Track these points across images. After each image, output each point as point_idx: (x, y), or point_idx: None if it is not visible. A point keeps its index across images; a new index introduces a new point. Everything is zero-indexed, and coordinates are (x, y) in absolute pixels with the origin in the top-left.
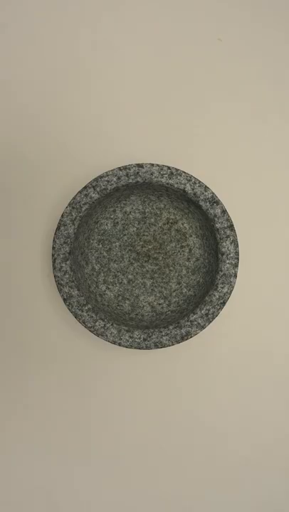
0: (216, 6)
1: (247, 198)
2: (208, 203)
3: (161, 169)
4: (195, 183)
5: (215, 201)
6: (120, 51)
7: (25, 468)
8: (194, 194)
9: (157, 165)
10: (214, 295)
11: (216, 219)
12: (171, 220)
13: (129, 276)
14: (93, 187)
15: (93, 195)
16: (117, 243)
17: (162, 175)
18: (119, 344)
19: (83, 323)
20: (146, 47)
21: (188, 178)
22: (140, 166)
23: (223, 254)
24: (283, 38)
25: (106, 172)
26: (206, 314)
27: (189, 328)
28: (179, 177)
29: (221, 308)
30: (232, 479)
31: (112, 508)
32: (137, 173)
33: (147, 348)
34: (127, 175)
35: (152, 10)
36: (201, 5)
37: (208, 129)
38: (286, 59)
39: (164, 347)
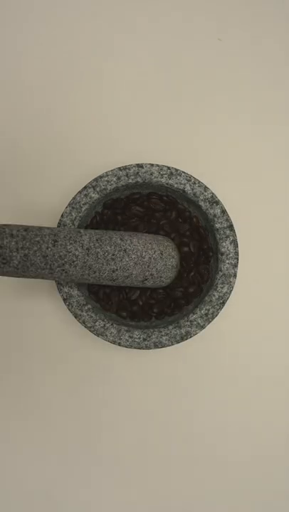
0: (216, 6)
1: (247, 198)
2: (207, 203)
3: (161, 169)
4: (195, 183)
5: (214, 201)
6: (120, 51)
7: (25, 468)
8: (194, 194)
9: (157, 165)
10: (214, 295)
11: (215, 219)
12: None
13: None
14: (93, 187)
15: (93, 195)
16: None
17: (162, 175)
18: (119, 344)
19: (83, 323)
20: (146, 47)
21: (188, 178)
22: (140, 166)
23: (222, 254)
24: (283, 38)
25: (106, 172)
26: (206, 314)
27: (189, 328)
28: (178, 177)
29: (220, 308)
30: (232, 479)
31: (111, 508)
32: (137, 173)
33: (147, 348)
34: (126, 175)
35: (152, 10)
36: (201, 5)
37: (208, 129)
38: (286, 59)
39: (164, 347)
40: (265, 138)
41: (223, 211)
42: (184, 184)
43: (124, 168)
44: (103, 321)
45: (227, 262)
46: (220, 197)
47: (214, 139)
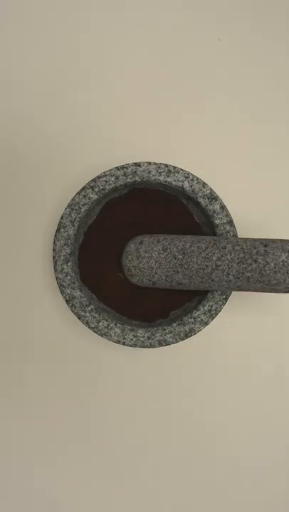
0: (216, 6)
1: (246, 195)
2: (206, 200)
3: (159, 167)
4: (193, 180)
5: (213, 197)
6: (119, 51)
7: (25, 469)
8: (192, 191)
9: (155, 163)
10: (216, 291)
11: (215, 215)
12: None
13: None
14: (91, 187)
15: (92, 195)
16: None
17: (160, 173)
18: (124, 344)
19: (86, 323)
20: (145, 46)
21: (186, 175)
22: (138, 164)
23: None
24: (283, 37)
25: (104, 172)
26: (209, 310)
27: (193, 325)
28: (176, 174)
29: (223, 304)
30: (233, 479)
31: (112, 508)
32: (135, 172)
33: (151, 346)
34: (124, 174)
35: (152, 10)
36: (201, 5)
37: (206, 126)
38: (286, 59)
39: (168, 345)
40: (263, 135)
41: (223, 207)
42: (183, 181)
43: (122, 167)
44: (107, 321)
45: None
46: (219, 193)
47: (214, 138)
